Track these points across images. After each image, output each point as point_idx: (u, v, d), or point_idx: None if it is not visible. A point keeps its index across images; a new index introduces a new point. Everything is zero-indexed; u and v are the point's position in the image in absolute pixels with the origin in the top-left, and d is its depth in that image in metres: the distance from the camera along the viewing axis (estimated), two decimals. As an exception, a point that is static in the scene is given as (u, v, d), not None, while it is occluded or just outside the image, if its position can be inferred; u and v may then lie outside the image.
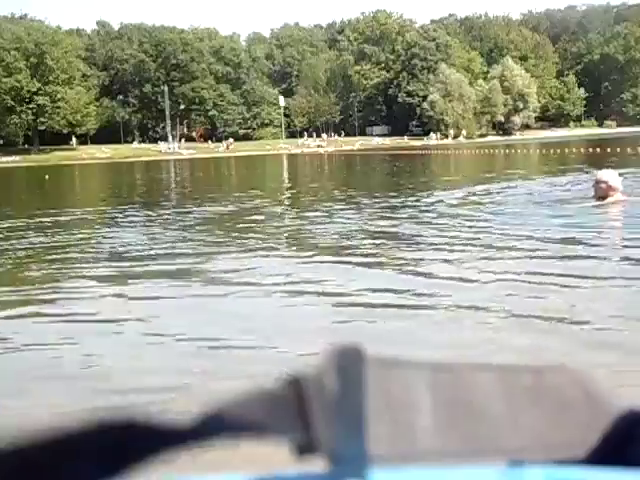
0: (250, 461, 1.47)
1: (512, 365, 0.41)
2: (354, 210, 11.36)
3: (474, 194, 12.71)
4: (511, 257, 6.50)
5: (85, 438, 0.31)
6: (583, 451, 0.40)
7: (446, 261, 6.49)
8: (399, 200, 12.64)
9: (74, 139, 77.79)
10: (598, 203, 9.17)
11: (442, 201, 11.70)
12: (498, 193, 12.66)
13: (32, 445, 0.30)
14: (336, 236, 8.48)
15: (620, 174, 9.91)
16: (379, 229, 9.00)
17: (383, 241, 7.94)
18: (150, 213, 12.79)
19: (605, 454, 0.40)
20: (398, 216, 10.28)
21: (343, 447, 0.34)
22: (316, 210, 11.66)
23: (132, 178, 31.97)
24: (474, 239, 7.57)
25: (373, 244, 7.83)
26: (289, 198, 16.15)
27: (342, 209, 11.62)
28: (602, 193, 9.16)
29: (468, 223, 8.85)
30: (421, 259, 6.71)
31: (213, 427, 0.33)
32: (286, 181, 25.06)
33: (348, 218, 10.29)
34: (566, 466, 0.39)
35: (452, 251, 6.98)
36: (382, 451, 0.35)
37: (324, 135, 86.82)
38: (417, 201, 12.24)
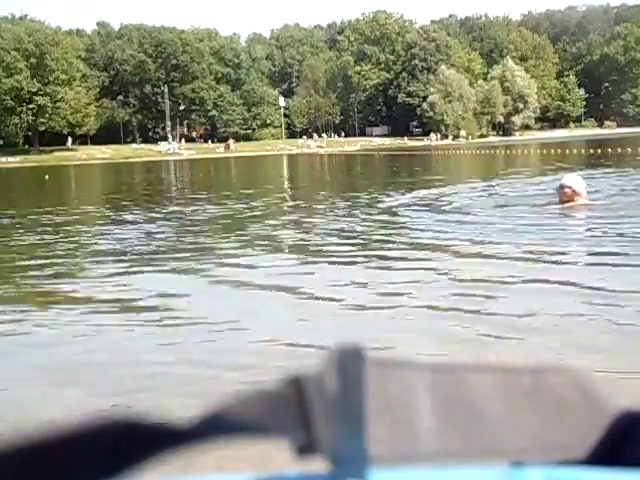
0: (250, 461, 1.49)
1: (512, 365, 0.41)
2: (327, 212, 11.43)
3: (444, 195, 12.73)
4: (463, 263, 6.30)
5: (85, 439, 0.31)
6: (582, 452, 0.40)
7: (394, 263, 6.41)
8: (382, 200, 12.78)
9: (69, 139, 77.66)
10: (561, 207, 9.11)
11: (407, 204, 11.77)
12: (467, 194, 12.73)
13: (33, 445, 0.30)
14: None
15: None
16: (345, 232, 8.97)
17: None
18: (148, 213, 12.83)
19: (604, 454, 0.40)
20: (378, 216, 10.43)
21: (343, 447, 0.34)
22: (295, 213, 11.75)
23: (131, 179, 31.99)
24: (430, 245, 7.39)
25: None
26: (284, 201, 16.19)
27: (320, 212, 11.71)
28: (566, 198, 9.13)
29: (426, 228, 8.70)
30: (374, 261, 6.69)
31: (213, 427, 0.33)
32: (285, 183, 25.05)
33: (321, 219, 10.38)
34: (566, 467, 0.39)
35: (402, 257, 6.82)
36: (382, 451, 0.35)
37: (324, 136, 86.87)
38: (388, 201, 12.40)
